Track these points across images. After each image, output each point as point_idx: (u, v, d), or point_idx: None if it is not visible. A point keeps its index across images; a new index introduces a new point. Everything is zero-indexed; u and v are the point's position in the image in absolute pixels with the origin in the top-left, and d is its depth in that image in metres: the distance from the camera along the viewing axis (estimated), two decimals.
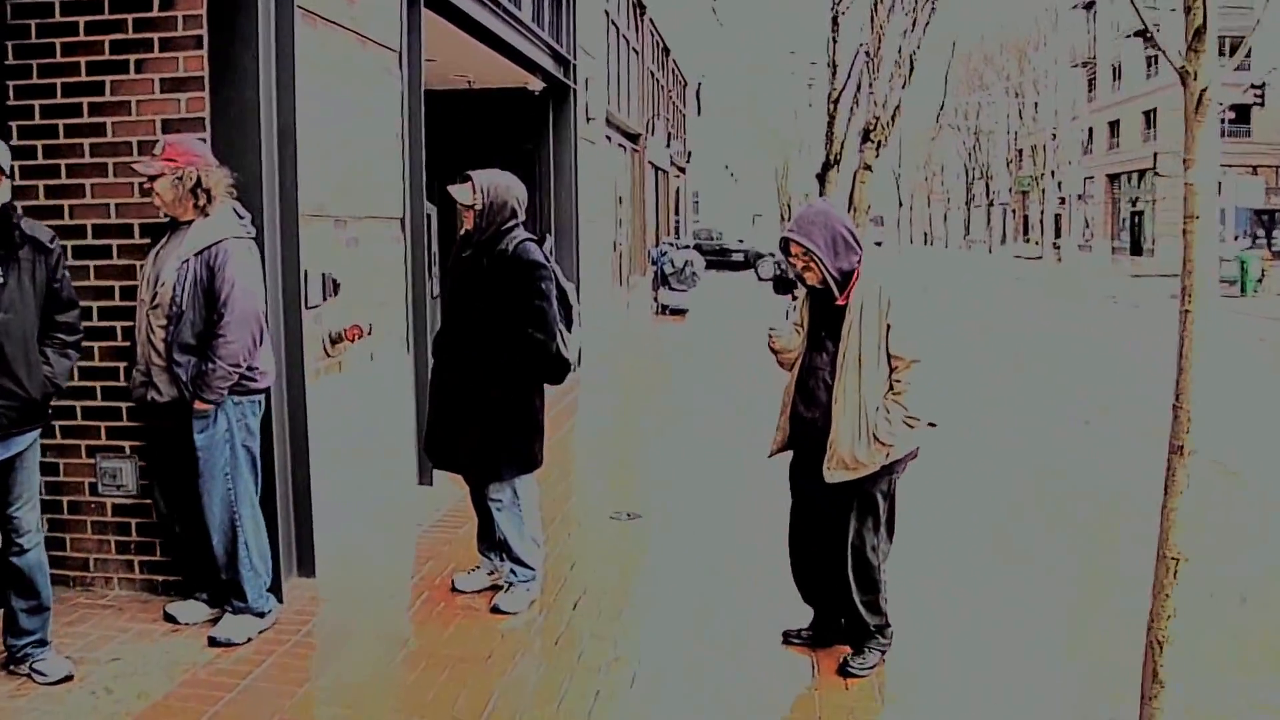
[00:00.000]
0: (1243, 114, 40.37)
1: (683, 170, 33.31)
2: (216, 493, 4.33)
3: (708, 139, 45.78)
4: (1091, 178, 52.35)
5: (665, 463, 8.15)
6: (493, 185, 4.63)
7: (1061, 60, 53.07)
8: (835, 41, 20.90)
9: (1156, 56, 45.74)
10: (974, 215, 74.77)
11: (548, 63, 11.04)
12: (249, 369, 4.30)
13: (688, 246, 19.89)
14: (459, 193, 4.65)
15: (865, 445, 3.98)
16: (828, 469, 4.05)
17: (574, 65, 11.84)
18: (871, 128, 19.29)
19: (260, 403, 4.47)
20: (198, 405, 4.23)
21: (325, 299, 5.24)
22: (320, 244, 5.20)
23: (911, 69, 19.57)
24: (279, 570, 4.74)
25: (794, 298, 16.21)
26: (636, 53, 20.31)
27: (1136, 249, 49.70)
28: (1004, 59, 55.74)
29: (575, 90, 11.88)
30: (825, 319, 4.12)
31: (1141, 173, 48.27)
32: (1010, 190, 62.29)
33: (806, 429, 4.15)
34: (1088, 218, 54.82)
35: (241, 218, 4.35)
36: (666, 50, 26.18)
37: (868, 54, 19.21)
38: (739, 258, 37.24)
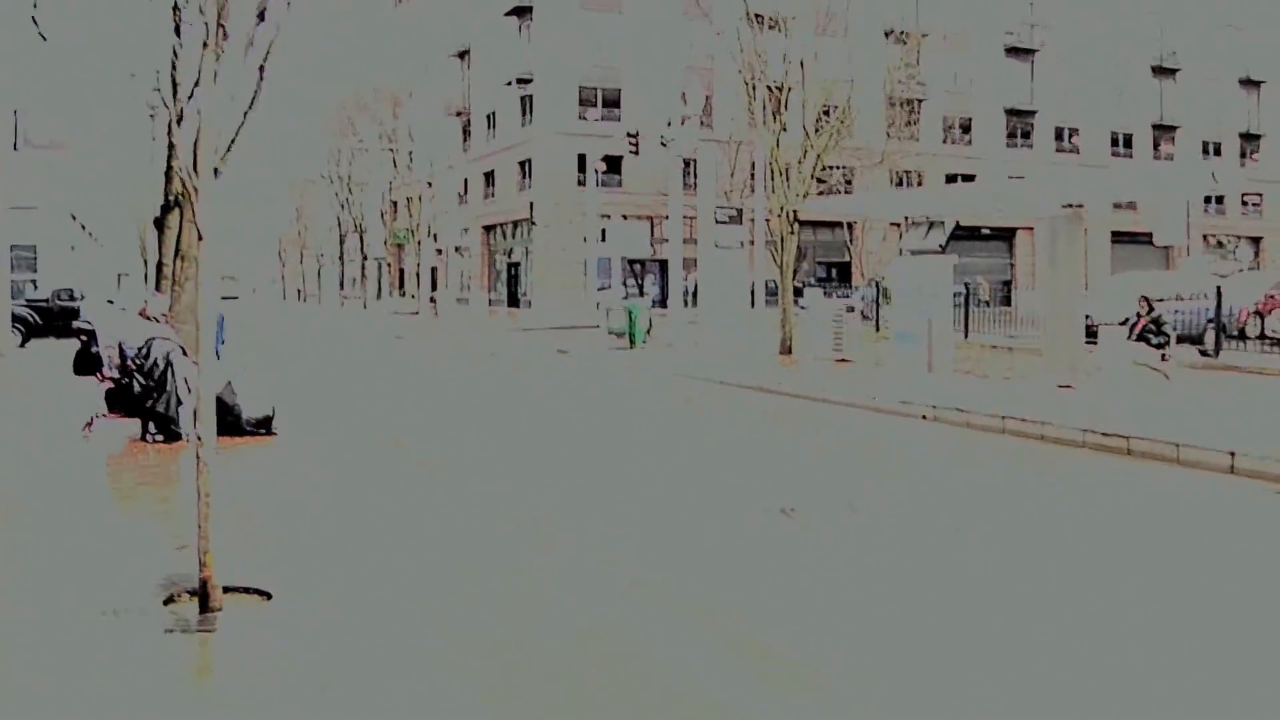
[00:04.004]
0: (614, 165, 42.12)
1: None
2: None
3: (40, 181, 38.26)
4: (468, 229, 52.41)
5: None
6: None
7: (437, 109, 52.81)
8: (177, 55, 16.94)
9: (530, 100, 46.63)
10: (349, 270, 73.27)
11: None
12: None
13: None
14: None
15: None
16: None
17: None
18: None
19: None
20: None
21: None
22: None
23: (259, 87, 16.26)
24: None
25: (103, 378, 10.97)
26: None
27: (514, 301, 50.48)
28: (377, 106, 53.93)
29: None
30: None
31: (517, 223, 49.03)
32: (385, 243, 60.78)
33: None
34: (464, 270, 54.93)
35: None
36: None
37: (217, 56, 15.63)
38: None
